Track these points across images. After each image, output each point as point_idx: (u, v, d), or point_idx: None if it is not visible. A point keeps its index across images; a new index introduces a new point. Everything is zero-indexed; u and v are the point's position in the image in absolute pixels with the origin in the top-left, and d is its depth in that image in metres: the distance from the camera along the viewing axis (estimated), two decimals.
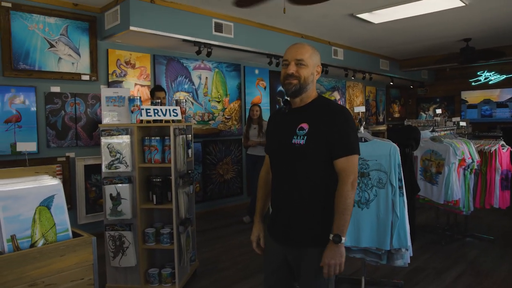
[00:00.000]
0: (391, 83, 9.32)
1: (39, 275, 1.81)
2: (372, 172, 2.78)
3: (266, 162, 2.08)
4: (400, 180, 2.74)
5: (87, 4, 4.72)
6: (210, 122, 6.13)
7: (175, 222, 3.21)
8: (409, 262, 2.87)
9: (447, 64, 8.24)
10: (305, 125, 1.75)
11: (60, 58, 4.60)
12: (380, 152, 2.76)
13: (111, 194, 3.22)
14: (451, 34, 6.54)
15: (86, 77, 4.79)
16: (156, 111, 3.33)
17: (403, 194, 2.74)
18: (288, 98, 1.90)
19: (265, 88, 7.02)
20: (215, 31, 5.15)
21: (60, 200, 2.06)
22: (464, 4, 4.88)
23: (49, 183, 2.07)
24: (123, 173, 3.26)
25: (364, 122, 3.05)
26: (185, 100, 3.71)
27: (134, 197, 3.24)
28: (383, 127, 8.18)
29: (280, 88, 7.36)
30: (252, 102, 6.69)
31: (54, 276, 1.86)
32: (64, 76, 4.61)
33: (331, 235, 1.70)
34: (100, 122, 4.83)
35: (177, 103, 3.60)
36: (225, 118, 6.36)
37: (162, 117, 3.35)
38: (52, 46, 4.53)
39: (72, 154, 4.72)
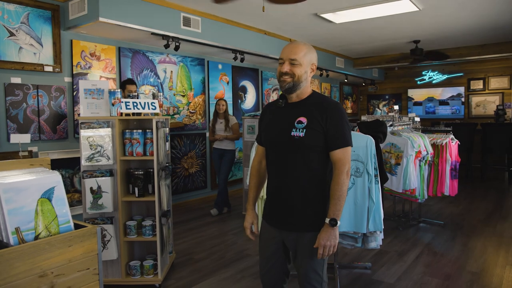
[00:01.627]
0: (346, 80, 9.75)
1: (49, 265, 1.82)
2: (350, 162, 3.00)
3: (258, 153, 2.21)
4: (375, 169, 2.99)
5: None
6: (175, 116, 6.12)
7: (158, 214, 3.24)
8: (381, 244, 3.14)
9: (398, 64, 8.79)
10: (303, 119, 1.89)
11: (21, 48, 4.40)
12: (357, 143, 2.98)
13: (91, 188, 3.19)
14: (403, 35, 7.00)
15: (49, 68, 4.62)
16: (135, 104, 3.34)
17: (378, 182, 2.99)
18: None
19: (228, 83, 7.11)
20: (184, 25, 5.16)
21: (61, 192, 2.06)
22: (417, 9, 5.28)
23: (48, 175, 2.06)
24: (104, 166, 3.24)
25: None
26: (161, 94, 3.73)
27: (115, 190, 3.24)
28: None
29: (242, 83, 7.49)
30: (215, 97, 6.76)
31: (63, 266, 1.87)
32: (25, 66, 4.42)
33: (328, 219, 1.86)
34: (65, 116, 4.75)
35: (154, 96, 3.62)
36: (190, 112, 6.38)
37: (141, 110, 3.36)
38: (12, 34, 4.32)
39: (35, 149, 4.54)
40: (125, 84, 4.66)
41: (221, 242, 4.49)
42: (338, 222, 1.86)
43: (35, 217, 1.93)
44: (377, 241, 3.08)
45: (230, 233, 4.84)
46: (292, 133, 1.89)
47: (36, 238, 1.89)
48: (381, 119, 4.22)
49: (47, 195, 2.01)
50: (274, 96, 8.30)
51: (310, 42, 7.45)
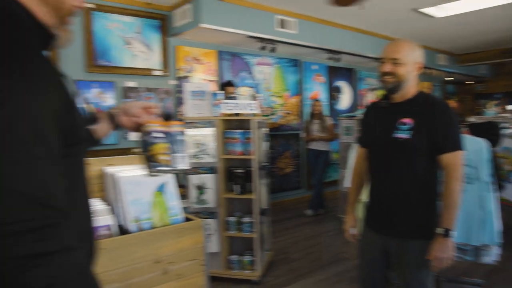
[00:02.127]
0: (449, 78, 9.06)
1: (163, 253, 1.96)
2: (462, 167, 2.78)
3: (359, 155, 2.14)
4: (490, 175, 2.72)
5: (158, 3, 4.92)
6: (271, 116, 6.24)
7: (256, 211, 3.33)
8: (496, 259, 2.84)
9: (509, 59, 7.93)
10: (408, 120, 1.78)
11: (134, 55, 4.83)
12: (470, 147, 2.74)
13: (196, 184, 3.38)
14: None
15: (158, 73, 5.01)
16: (235, 105, 3.46)
17: (493, 190, 2.72)
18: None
19: (323, 83, 7.05)
20: (280, 27, 5.23)
21: (173, 186, 2.22)
22: None
23: None
24: (207, 163, 3.41)
25: None
26: (261, 96, 3.83)
27: (217, 187, 3.39)
28: None
29: (337, 83, 7.36)
30: (310, 97, 6.75)
31: (174, 255, 2.01)
32: (138, 71, 4.85)
33: (441, 229, 1.74)
34: (170, 116, 5.11)
35: (254, 98, 3.72)
36: (285, 113, 6.45)
37: (241, 111, 3.48)
38: (127, 43, 4.77)
39: None
40: (225, 86, 4.87)
41: (316, 243, 4.46)
42: (453, 232, 1.73)
43: (151, 208, 2.10)
44: (491, 256, 2.80)
45: (325, 235, 4.78)
46: (396, 135, 1.80)
47: (152, 227, 2.06)
48: (493, 121, 3.84)
49: (161, 189, 2.17)
50: (370, 97, 8.01)
51: (409, 38, 7.06)
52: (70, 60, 4.28)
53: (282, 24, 5.24)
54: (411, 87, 1.86)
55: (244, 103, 3.49)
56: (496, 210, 2.76)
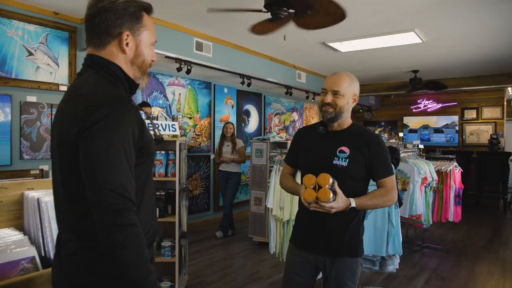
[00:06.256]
0: None
1: None
2: (370, 187, 3.10)
3: (285, 172, 2.23)
4: None
5: (67, 14, 4.65)
6: (182, 138, 6.19)
7: (177, 235, 3.27)
8: (397, 267, 3.21)
9: (396, 92, 9.04)
10: (345, 149, 1.94)
11: (38, 67, 4.46)
12: None
13: None
14: (403, 65, 7.25)
15: (64, 88, 4.67)
16: (157, 125, 3.40)
17: (397, 207, 3.09)
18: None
19: (232, 106, 7.23)
20: (196, 49, 5.30)
21: None
22: (421, 41, 5.51)
23: None
24: None
25: None
26: (181, 117, 3.82)
27: None
28: None
29: (246, 107, 7.62)
30: (221, 120, 6.86)
31: None
32: (41, 85, 4.47)
33: (354, 200, 1.86)
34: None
35: (174, 118, 3.70)
36: (196, 134, 6.45)
37: (162, 132, 3.43)
38: (30, 54, 4.40)
39: (46, 167, 4.54)
40: (141, 106, 4.73)
41: (230, 265, 4.50)
42: (353, 204, 1.86)
43: None
44: (394, 265, 3.15)
45: (238, 256, 4.85)
46: (334, 162, 1.93)
47: None
48: (393, 146, 4.35)
49: None
50: (275, 121, 8.43)
51: (313, 68, 7.67)
52: None
53: (198, 46, 5.31)
54: (348, 117, 2.03)
55: (165, 124, 3.45)
56: (399, 224, 3.12)
